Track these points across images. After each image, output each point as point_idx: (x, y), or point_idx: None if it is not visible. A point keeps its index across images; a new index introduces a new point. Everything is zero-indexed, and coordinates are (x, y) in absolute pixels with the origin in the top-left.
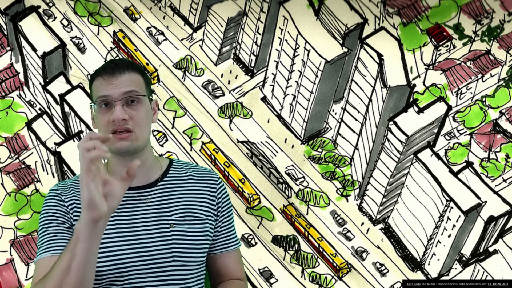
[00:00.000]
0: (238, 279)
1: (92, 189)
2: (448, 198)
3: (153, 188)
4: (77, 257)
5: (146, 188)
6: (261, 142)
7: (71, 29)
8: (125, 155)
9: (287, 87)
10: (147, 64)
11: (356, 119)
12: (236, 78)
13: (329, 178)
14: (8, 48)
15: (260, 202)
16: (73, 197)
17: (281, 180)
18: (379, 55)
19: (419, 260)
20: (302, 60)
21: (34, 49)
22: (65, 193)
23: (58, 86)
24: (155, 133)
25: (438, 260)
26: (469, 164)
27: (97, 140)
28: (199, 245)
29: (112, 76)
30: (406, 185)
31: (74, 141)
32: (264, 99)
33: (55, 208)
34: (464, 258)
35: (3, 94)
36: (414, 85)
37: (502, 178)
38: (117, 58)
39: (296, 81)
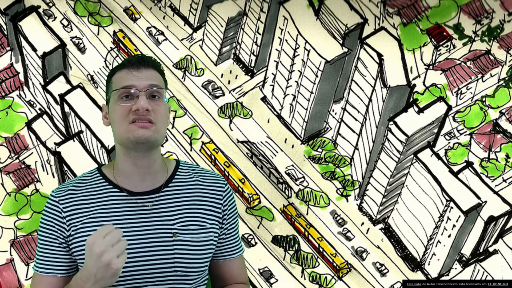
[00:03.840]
0: (241, 283)
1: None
2: (448, 198)
3: (158, 194)
4: None
5: (150, 193)
6: (261, 142)
7: (71, 29)
8: (140, 148)
9: (287, 87)
10: None
11: (356, 119)
12: (236, 78)
13: (329, 178)
14: (8, 48)
15: (260, 202)
16: (71, 205)
17: (281, 180)
18: (379, 55)
19: (419, 260)
20: (302, 60)
21: (34, 49)
22: (64, 201)
23: (58, 86)
24: None
25: (438, 260)
26: (469, 164)
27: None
28: (202, 255)
29: (138, 68)
30: (406, 185)
31: (74, 141)
32: (264, 99)
33: (51, 224)
34: (464, 258)
35: (3, 94)
36: (414, 85)
37: (502, 178)
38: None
39: (296, 81)
